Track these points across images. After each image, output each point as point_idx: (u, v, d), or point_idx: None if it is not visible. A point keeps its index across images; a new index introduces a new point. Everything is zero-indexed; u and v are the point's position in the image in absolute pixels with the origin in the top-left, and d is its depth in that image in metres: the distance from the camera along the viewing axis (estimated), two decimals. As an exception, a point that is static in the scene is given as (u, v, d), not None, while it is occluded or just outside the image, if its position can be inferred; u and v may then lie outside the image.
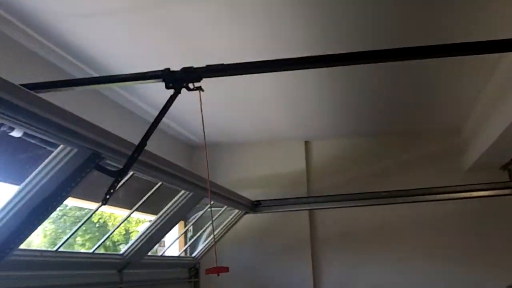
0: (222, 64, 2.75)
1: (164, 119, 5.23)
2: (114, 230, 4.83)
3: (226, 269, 3.37)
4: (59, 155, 2.96)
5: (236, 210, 6.06)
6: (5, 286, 3.30)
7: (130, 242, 4.81)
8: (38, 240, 25.26)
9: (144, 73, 2.88)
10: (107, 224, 22.16)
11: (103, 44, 4.06)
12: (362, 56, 2.84)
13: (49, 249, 3.77)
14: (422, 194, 5.83)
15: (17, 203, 2.91)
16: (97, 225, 21.92)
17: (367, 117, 6.11)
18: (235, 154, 7.06)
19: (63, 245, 3.99)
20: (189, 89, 2.83)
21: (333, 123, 6.30)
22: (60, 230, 22.49)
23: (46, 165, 2.96)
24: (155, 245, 5.07)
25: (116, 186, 3.04)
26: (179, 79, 2.78)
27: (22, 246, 3.19)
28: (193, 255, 6.37)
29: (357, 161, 6.87)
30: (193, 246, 6.56)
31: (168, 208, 4.87)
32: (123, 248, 4.81)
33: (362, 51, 2.74)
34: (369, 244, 6.65)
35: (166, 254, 6.47)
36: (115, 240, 19.46)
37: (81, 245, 22.42)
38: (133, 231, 14.45)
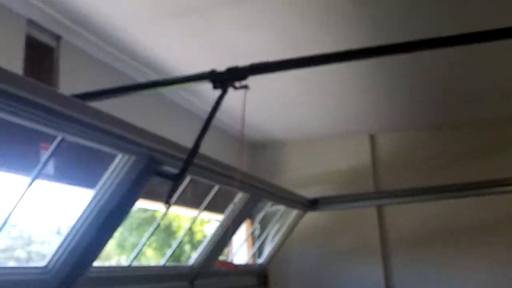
0: (266, 62, 2.75)
1: (224, 119, 5.26)
2: (179, 241, 4.76)
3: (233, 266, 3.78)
4: (119, 164, 3.08)
5: (295, 210, 5.85)
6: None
7: (198, 251, 4.81)
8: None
9: (192, 75, 2.96)
10: (172, 225, 22.68)
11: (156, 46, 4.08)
12: (423, 43, 2.62)
13: (122, 265, 3.77)
14: (502, 185, 5.32)
15: (88, 215, 3.05)
16: (162, 227, 22.43)
17: (434, 107, 5.79)
18: (298, 151, 6.82)
19: (131, 251, 4.04)
20: (235, 88, 2.84)
21: (399, 115, 5.97)
22: (126, 233, 23.22)
23: (109, 175, 3.08)
24: (222, 251, 4.98)
25: (176, 189, 3.17)
26: (225, 79, 2.81)
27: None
28: (260, 261, 6.23)
29: (425, 154, 6.42)
30: (261, 250, 6.42)
31: (229, 212, 4.85)
32: (192, 258, 4.82)
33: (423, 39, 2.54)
34: (446, 244, 6.17)
35: (234, 260, 6.37)
36: (181, 241, 19.70)
37: (148, 245, 23.03)
38: (198, 231, 14.53)
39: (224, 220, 4.83)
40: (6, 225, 2.63)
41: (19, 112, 2.12)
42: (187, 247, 17.22)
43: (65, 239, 3.04)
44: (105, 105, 2.87)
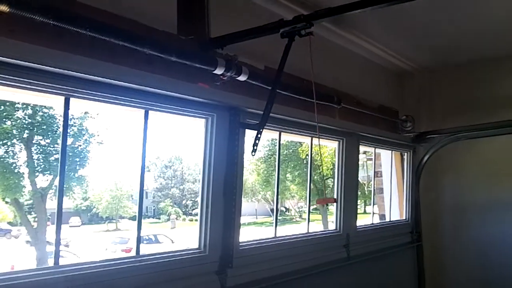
0: (329, 8, 2.74)
1: (369, 46, 5.07)
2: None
3: (333, 200, 3.52)
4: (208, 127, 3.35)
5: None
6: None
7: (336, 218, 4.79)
8: (252, 178, 27.53)
9: (262, 26, 3.00)
10: (315, 160, 23.12)
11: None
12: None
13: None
14: None
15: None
16: (304, 161, 23.04)
17: None
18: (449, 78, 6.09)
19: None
20: (301, 36, 2.88)
21: None
22: (271, 168, 24.30)
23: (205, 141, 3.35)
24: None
25: (260, 137, 3.25)
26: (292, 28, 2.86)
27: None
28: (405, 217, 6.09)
29: None
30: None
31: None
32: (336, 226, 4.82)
33: None
34: None
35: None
36: (324, 174, 20.19)
37: (291, 181, 23.92)
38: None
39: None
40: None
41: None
42: (330, 182, 17.51)
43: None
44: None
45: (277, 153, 4.47)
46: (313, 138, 4.41)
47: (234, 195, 3.40)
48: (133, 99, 2.88)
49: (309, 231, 4.36)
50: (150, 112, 3.01)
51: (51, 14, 2.29)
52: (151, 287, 2.91)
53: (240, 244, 3.50)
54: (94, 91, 2.67)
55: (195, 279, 3.17)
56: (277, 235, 3.93)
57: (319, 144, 4.03)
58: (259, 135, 3.24)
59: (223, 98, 3.32)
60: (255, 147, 3.26)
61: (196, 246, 3.30)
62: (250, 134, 3.54)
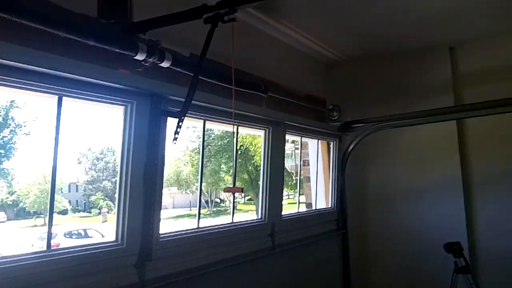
0: None
1: (297, 35, 5.10)
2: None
3: (240, 190, 3.51)
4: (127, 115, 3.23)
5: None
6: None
7: (261, 207, 4.79)
8: (187, 169, 27.37)
9: (184, 11, 2.98)
10: (249, 150, 23.28)
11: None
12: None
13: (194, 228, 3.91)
14: None
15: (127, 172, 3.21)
16: (239, 152, 23.09)
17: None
18: (375, 68, 6.24)
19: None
20: (224, 22, 2.85)
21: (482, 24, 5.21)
22: (206, 159, 24.20)
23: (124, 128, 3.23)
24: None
25: (181, 125, 3.21)
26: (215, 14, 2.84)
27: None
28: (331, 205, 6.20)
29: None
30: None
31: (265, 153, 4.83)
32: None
33: None
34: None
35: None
36: (258, 164, 20.34)
37: (226, 172, 23.95)
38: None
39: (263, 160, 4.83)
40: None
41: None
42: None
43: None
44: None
45: (201, 142, 4.40)
46: (239, 127, 4.38)
47: (154, 186, 3.30)
48: (45, 85, 2.71)
49: (234, 221, 4.33)
50: (65, 99, 2.85)
51: None
52: (66, 281, 2.76)
53: (161, 236, 3.41)
54: (5, 76, 2.50)
55: (113, 272, 3.06)
56: (200, 226, 3.87)
57: (237, 132, 4.00)
58: (180, 123, 3.19)
59: (145, 84, 3.22)
60: (176, 135, 3.20)
61: (114, 238, 3.17)
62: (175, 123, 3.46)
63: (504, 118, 5.30)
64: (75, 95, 2.90)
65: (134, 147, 3.21)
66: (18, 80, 2.58)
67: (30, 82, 2.64)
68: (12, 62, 2.46)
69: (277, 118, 4.76)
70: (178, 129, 3.19)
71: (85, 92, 2.92)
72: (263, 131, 4.72)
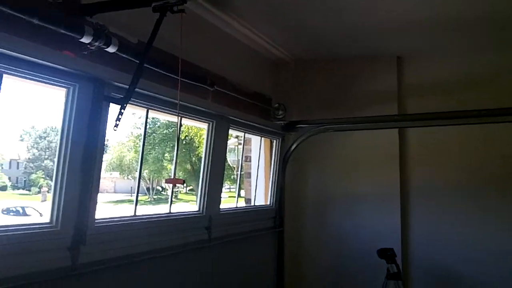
0: None
1: (247, 32, 5.11)
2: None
3: (182, 181, 3.50)
4: (69, 98, 3.18)
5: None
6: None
7: (200, 200, 4.81)
8: (129, 155, 26.88)
9: None
10: (194, 141, 23.21)
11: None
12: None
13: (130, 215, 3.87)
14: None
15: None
16: (183, 142, 23.03)
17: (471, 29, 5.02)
18: (323, 71, 6.30)
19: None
20: (173, 12, 2.89)
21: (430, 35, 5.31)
22: (149, 147, 23.96)
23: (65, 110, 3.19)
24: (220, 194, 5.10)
25: (123, 112, 3.24)
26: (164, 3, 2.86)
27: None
28: (269, 203, 6.28)
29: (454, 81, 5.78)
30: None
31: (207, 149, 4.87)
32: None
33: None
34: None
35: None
36: (202, 156, 20.24)
37: (169, 161, 23.81)
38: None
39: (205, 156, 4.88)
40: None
41: None
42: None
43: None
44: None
45: (143, 130, 4.37)
46: (183, 119, 4.39)
47: (92, 170, 3.28)
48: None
49: (172, 211, 4.35)
50: (5, 76, 2.78)
51: None
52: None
53: (96, 220, 3.38)
54: None
55: (46, 254, 3.02)
56: (137, 214, 3.87)
57: (179, 123, 4.01)
58: (122, 110, 3.19)
59: (89, 68, 3.17)
60: (117, 122, 3.21)
61: (48, 220, 3.14)
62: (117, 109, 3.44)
63: (443, 130, 5.58)
64: (17, 74, 2.83)
65: (74, 130, 3.17)
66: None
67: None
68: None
69: (222, 113, 4.80)
70: (120, 116, 3.19)
71: (27, 71, 2.86)
72: (206, 124, 4.75)
